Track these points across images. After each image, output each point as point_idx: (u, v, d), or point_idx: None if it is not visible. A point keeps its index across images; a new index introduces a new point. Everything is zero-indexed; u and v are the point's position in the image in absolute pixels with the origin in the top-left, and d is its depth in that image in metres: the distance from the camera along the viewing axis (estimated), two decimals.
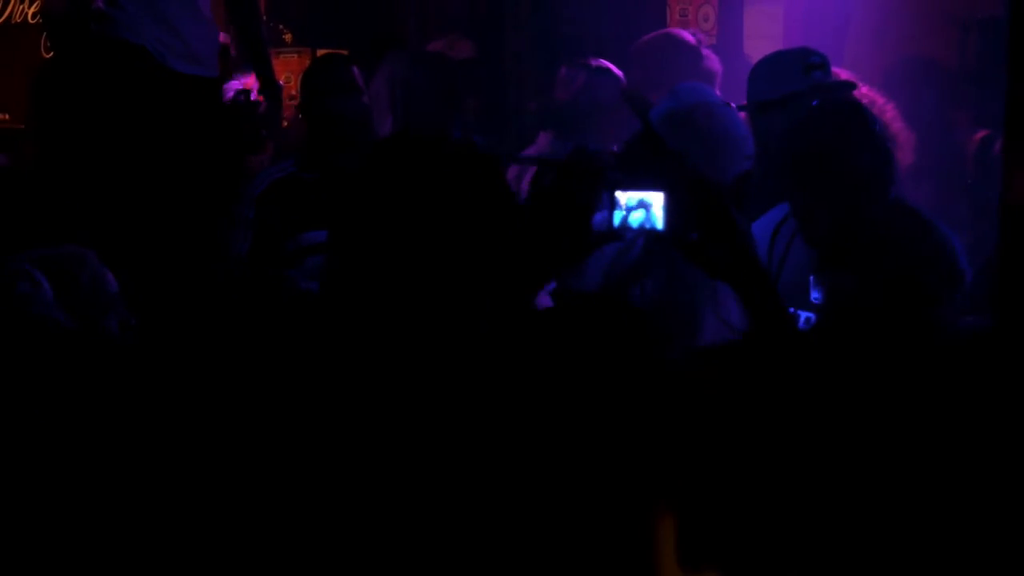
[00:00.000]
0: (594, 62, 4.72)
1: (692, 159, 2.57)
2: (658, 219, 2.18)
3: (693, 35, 4.93)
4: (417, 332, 1.88)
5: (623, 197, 2.19)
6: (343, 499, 1.75)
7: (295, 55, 5.95)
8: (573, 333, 1.84)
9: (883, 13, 5.65)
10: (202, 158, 4.14)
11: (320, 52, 5.50)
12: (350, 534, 1.74)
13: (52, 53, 4.50)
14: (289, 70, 5.70)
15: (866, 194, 3.06)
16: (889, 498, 1.15)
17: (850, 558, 1.16)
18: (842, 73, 4.03)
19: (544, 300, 2.53)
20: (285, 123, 4.86)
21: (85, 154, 4.10)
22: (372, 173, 1.95)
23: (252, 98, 4.56)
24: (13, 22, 6.18)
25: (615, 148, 2.96)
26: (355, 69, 4.17)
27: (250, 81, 4.58)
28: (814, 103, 3.54)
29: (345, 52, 5.14)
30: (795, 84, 3.77)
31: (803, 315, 3.06)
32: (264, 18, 5.01)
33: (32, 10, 6.06)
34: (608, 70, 4.66)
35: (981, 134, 4.75)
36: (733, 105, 3.44)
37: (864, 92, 3.90)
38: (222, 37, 4.46)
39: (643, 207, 2.18)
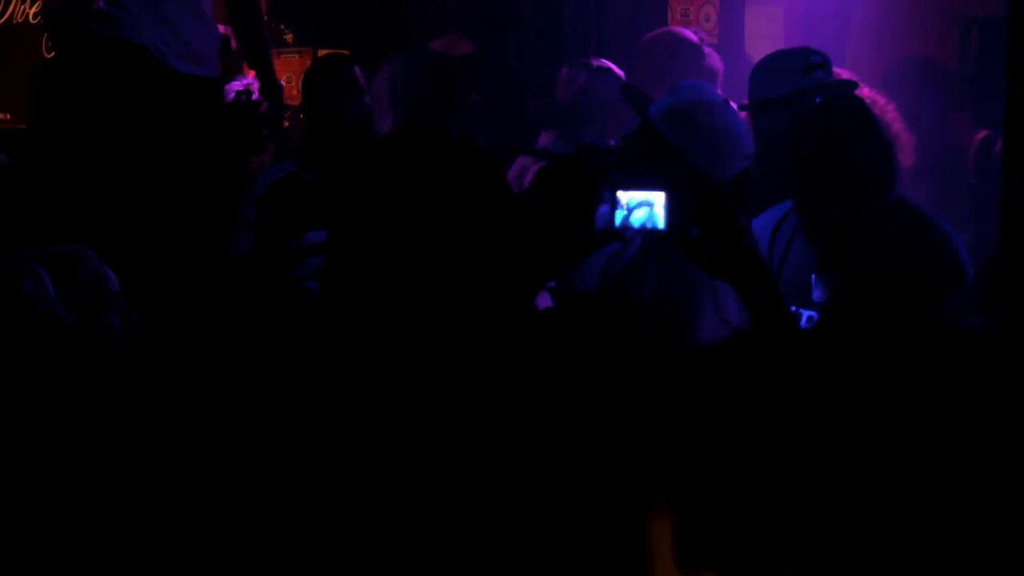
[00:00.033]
0: (595, 62, 4.72)
1: (691, 156, 2.56)
2: (659, 218, 2.18)
3: (695, 33, 4.93)
4: (417, 331, 1.88)
5: (624, 196, 2.19)
6: (343, 498, 1.75)
7: (296, 55, 5.95)
8: (573, 332, 1.84)
9: (883, 13, 5.65)
10: (203, 158, 4.14)
11: (321, 52, 5.50)
12: (350, 533, 1.74)
13: (53, 53, 4.49)
14: (290, 70, 5.70)
15: (869, 190, 3.06)
16: (890, 498, 1.15)
17: (850, 558, 1.16)
18: (843, 73, 4.03)
19: (544, 299, 2.53)
20: (286, 123, 4.86)
21: (86, 154, 4.10)
22: (371, 172, 1.95)
23: (253, 98, 4.56)
24: (14, 22, 6.18)
25: (612, 143, 2.96)
26: (356, 69, 4.17)
27: (251, 81, 4.58)
28: (817, 99, 3.55)
29: (346, 52, 5.15)
30: (796, 83, 3.77)
31: (805, 313, 3.06)
32: (265, 18, 5.02)
33: (33, 10, 6.06)
34: (609, 70, 4.66)
35: (981, 134, 4.75)
36: (735, 105, 3.44)
37: (865, 93, 3.91)
38: (221, 28, 4.45)
39: (644, 206, 2.19)
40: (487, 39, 5.61)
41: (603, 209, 2.19)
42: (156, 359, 2.26)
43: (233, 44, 4.61)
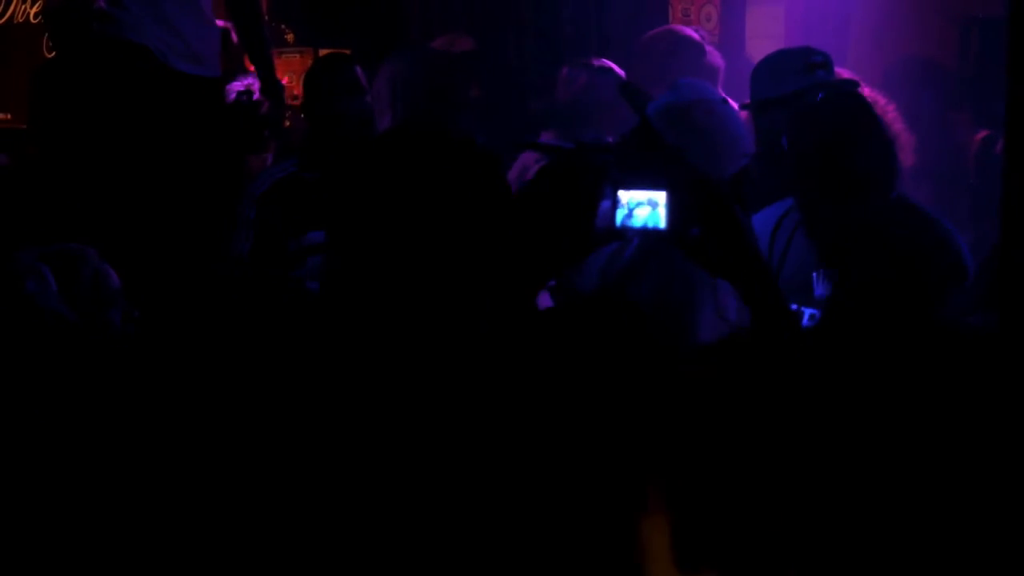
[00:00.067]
0: (596, 62, 4.72)
1: (689, 155, 2.56)
2: (660, 218, 2.18)
3: (696, 32, 4.93)
4: (416, 331, 1.88)
5: (624, 196, 2.19)
6: (342, 496, 1.75)
7: (297, 55, 5.95)
8: (572, 332, 1.84)
9: (884, 13, 5.66)
10: (204, 158, 4.14)
11: (322, 52, 5.50)
12: (349, 532, 1.74)
13: (54, 53, 4.49)
14: (291, 70, 5.70)
15: (870, 187, 3.06)
16: (890, 497, 1.15)
17: (850, 558, 1.16)
18: (844, 73, 4.03)
19: (544, 299, 2.53)
20: (287, 123, 4.86)
21: (87, 154, 4.10)
22: (368, 171, 1.95)
23: (254, 98, 4.56)
24: (15, 22, 6.18)
25: (611, 140, 2.96)
26: (358, 69, 4.17)
27: (252, 81, 4.58)
28: (819, 95, 3.56)
29: (347, 52, 5.15)
30: (797, 82, 3.77)
31: (807, 312, 3.07)
32: (266, 18, 5.02)
33: (34, 10, 6.06)
34: (610, 70, 4.66)
35: (982, 134, 4.76)
36: (736, 105, 3.44)
37: (866, 93, 3.91)
38: (221, 23, 4.45)
39: (645, 206, 2.18)
40: (488, 38, 5.61)
41: (603, 208, 2.19)
42: (157, 357, 2.26)
43: (234, 38, 4.61)
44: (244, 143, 4.61)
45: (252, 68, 4.58)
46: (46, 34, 5.14)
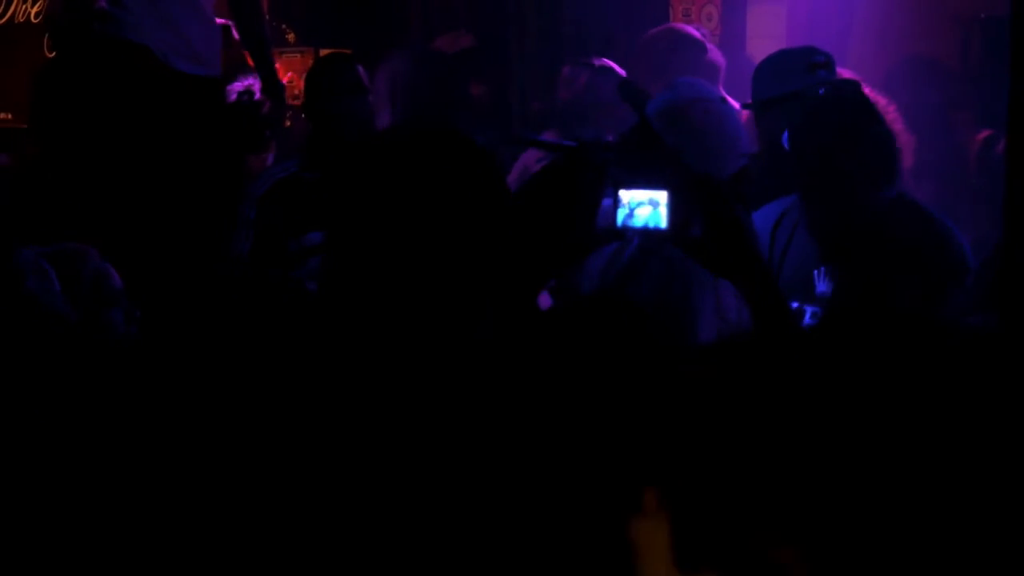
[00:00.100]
0: (597, 61, 4.72)
1: (687, 155, 2.56)
2: (661, 217, 2.18)
3: (697, 29, 4.94)
4: (415, 331, 1.88)
5: (626, 195, 2.19)
6: (341, 496, 1.75)
7: (298, 55, 5.95)
8: (572, 332, 1.84)
9: (886, 13, 5.66)
10: (205, 158, 4.14)
11: (323, 52, 5.50)
12: (348, 532, 1.74)
13: (55, 53, 4.49)
14: (292, 70, 5.70)
15: (872, 181, 3.06)
16: (890, 498, 1.15)
17: (851, 558, 1.16)
18: (845, 73, 4.03)
19: (544, 299, 2.53)
20: (288, 123, 4.86)
21: (88, 154, 4.10)
22: (366, 169, 1.95)
23: (255, 98, 4.56)
24: (16, 22, 6.18)
25: (610, 139, 2.95)
26: (360, 68, 4.17)
27: (253, 81, 4.58)
28: (820, 91, 3.56)
29: (348, 51, 5.14)
30: (799, 82, 3.78)
31: (809, 309, 3.07)
32: (267, 17, 5.02)
33: (35, 10, 6.05)
34: (611, 69, 4.66)
35: (984, 134, 4.75)
36: (737, 104, 3.44)
37: (867, 93, 3.91)
38: (221, 20, 4.45)
39: (645, 205, 2.18)
40: (489, 38, 5.61)
41: (604, 207, 2.19)
42: (158, 357, 2.26)
43: (235, 34, 4.61)
44: (245, 143, 4.61)
45: (253, 64, 4.57)
46: (47, 34, 5.14)
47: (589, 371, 1.76)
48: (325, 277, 2.00)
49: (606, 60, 4.74)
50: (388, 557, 1.72)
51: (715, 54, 4.82)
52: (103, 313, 2.71)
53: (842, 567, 1.15)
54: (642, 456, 1.28)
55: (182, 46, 4.14)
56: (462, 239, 1.90)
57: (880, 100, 3.73)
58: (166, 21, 4.12)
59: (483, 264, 1.92)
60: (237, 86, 4.60)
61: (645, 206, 2.18)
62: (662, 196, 2.17)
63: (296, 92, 5.32)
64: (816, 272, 3.13)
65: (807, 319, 3.04)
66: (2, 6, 6.20)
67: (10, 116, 6.00)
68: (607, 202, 2.20)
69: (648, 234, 2.21)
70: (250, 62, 4.58)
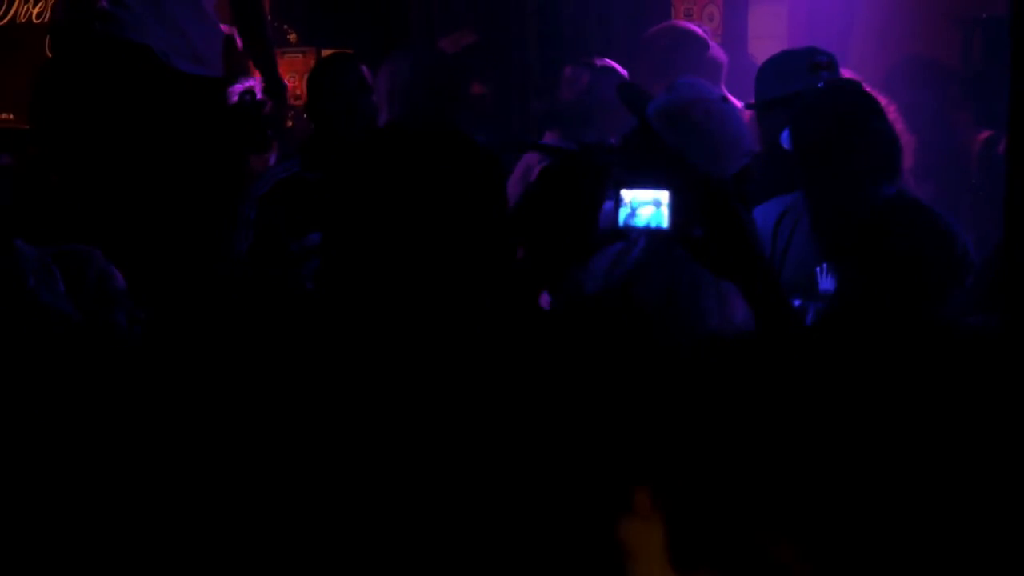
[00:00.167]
0: (599, 62, 4.71)
1: (689, 155, 2.56)
2: (664, 217, 2.18)
3: (699, 27, 4.94)
4: (414, 330, 1.88)
5: (628, 195, 2.19)
6: (341, 497, 1.76)
7: (300, 55, 5.95)
8: (576, 333, 1.84)
9: (887, 13, 5.66)
10: (206, 158, 4.14)
11: (325, 52, 5.50)
12: (346, 531, 1.74)
13: (56, 53, 4.49)
14: (294, 70, 5.70)
15: (873, 175, 3.07)
16: (890, 498, 1.16)
17: (851, 558, 1.16)
18: (846, 73, 4.04)
19: (547, 299, 2.53)
20: (290, 123, 4.86)
21: (89, 154, 4.10)
22: (363, 168, 1.95)
23: (257, 98, 4.56)
24: (18, 22, 6.18)
25: (613, 141, 2.96)
26: (363, 68, 4.17)
27: (254, 81, 4.58)
28: (819, 84, 3.57)
29: (350, 52, 5.14)
30: (801, 83, 3.78)
31: (811, 307, 3.07)
32: (269, 18, 5.02)
33: (36, 10, 6.06)
34: (613, 70, 4.65)
35: (985, 134, 4.75)
36: (740, 104, 3.44)
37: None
38: (225, 28, 4.45)
39: (648, 206, 2.19)
40: (490, 38, 5.61)
41: (607, 208, 2.19)
42: (161, 358, 2.26)
43: (239, 44, 4.61)
44: (247, 143, 4.61)
45: (256, 73, 4.58)
46: (48, 36, 5.14)
47: (589, 371, 1.76)
48: (324, 276, 2.00)
49: (608, 60, 4.74)
50: (385, 555, 1.72)
51: (717, 51, 4.82)
52: (107, 314, 2.71)
53: (842, 567, 1.15)
54: (639, 456, 1.28)
55: (183, 46, 4.14)
56: (463, 239, 1.90)
57: (880, 100, 3.73)
58: (167, 21, 4.12)
59: (484, 264, 1.92)
60: (239, 87, 4.60)
61: (647, 206, 2.18)
62: (664, 196, 2.18)
63: (298, 92, 5.32)
64: (818, 269, 3.13)
65: (810, 317, 3.04)
66: (3, 7, 6.20)
67: (11, 116, 6.00)
68: (609, 203, 2.20)
69: (650, 234, 2.21)
70: (254, 72, 4.59)
